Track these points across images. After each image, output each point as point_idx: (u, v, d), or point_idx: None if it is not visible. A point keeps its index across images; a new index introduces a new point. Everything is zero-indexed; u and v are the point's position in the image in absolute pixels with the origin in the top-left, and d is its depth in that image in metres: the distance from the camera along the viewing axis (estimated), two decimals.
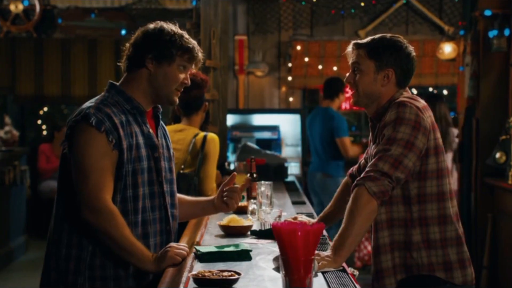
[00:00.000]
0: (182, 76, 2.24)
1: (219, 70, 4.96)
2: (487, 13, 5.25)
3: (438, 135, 2.29)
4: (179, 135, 3.73)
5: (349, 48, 2.38)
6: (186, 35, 2.25)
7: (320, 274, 2.01)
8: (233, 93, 7.33)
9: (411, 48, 2.35)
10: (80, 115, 2.14)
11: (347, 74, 2.38)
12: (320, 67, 7.36)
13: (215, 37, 4.87)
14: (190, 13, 7.00)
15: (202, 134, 3.71)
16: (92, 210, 2.08)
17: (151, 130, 2.26)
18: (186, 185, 3.58)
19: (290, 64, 7.36)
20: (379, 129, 2.28)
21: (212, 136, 3.73)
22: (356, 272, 2.28)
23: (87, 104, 2.19)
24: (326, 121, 5.67)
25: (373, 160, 2.21)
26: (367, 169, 2.20)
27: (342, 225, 2.17)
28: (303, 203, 3.72)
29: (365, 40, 2.36)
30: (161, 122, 2.36)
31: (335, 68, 7.33)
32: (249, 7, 7.45)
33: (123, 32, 7.89)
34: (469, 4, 5.88)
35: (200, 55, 2.26)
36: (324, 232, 2.49)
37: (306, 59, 7.35)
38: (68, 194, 2.17)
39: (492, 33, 5.21)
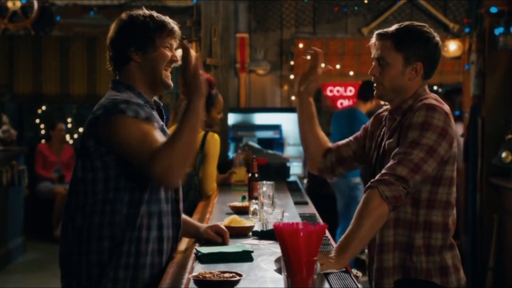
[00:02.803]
0: (169, 54, 2.22)
1: (220, 68, 4.96)
2: (493, 10, 5.25)
3: (457, 142, 2.26)
4: None
5: (373, 39, 2.30)
6: (155, 14, 2.22)
7: (322, 276, 2.01)
8: (234, 91, 7.33)
9: (438, 38, 2.28)
10: (112, 109, 2.08)
11: (372, 67, 2.29)
12: (322, 65, 7.34)
13: (216, 35, 4.88)
14: (190, 11, 7.00)
15: (201, 132, 3.71)
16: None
17: (163, 124, 2.25)
18: (186, 185, 3.58)
19: (292, 62, 7.36)
20: (403, 127, 2.20)
21: (212, 135, 3.73)
22: (360, 274, 2.29)
23: (107, 100, 2.13)
24: (350, 121, 5.70)
25: (390, 162, 2.15)
26: (383, 171, 2.15)
27: (350, 227, 2.14)
28: (306, 203, 3.72)
29: (390, 30, 2.26)
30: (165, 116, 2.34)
31: (338, 66, 7.32)
32: (250, 4, 7.45)
33: None
34: (475, 1, 5.88)
35: (176, 26, 2.23)
36: (327, 233, 2.49)
37: (309, 57, 7.34)
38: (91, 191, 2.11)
39: (498, 31, 5.20)
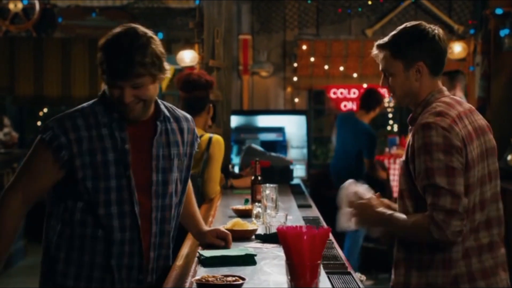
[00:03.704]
0: (116, 94, 2.15)
1: (223, 70, 4.97)
2: (498, 11, 5.25)
3: (475, 145, 2.15)
4: None
5: (374, 51, 2.31)
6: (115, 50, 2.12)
7: (326, 279, 2.02)
8: (237, 93, 7.34)
9: (435, 31, 2.27)
10: (44, 125, 2.22)
11: (381, 79, 2.31)
12: (326, 67, 7.37)
13: (218, 36, 4.88)
14: (193, 12, 7.01)
15: (207, 135, 3.72)
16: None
17: (128, 146, 2.19)
18: None
19: (295, 64, 7.37)
20: (411, 150, 2.14)
21: (218, 138, 3.75)
22: (363, 277, 2.29)
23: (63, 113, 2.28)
24: (358, 135, 5.75)
25: (428, 200, 2.06)
26: (430, 212, 2.05)
27: (401, 217, 2.13)
28: (309, 206, 3.72)
29: (386, 39, 2.27)
30: (169, 128, 2.29)
31: (341, 68, 7.33)
32: (253, 6, 7.46)
33: None
34: (480, 2, 5.88)
35: (124, 66, 2.10)
36: (330, 236, 2.50)
37: (312, 59, 7.36)
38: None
39: (504, 32, 5.21)
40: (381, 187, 5.69)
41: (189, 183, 2.50)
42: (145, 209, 2.21)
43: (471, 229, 2.14)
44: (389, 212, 2.17)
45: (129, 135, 2.20)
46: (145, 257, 2.21)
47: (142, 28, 2.19)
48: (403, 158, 2.22)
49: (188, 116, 2.46)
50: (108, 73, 2.14)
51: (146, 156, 2.23)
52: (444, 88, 2.28)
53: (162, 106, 2.31)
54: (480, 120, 2.25)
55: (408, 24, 2.32)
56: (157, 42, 2.18)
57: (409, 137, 2.22)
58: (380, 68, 2.30)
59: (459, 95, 5.00)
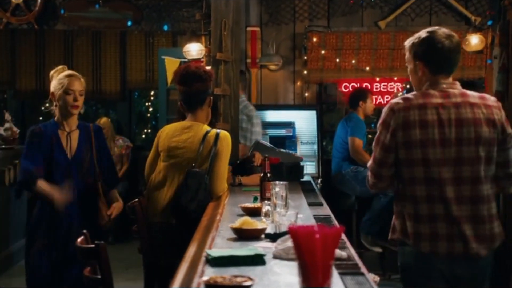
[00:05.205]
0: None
1: (231, 63, 4.95)
2: None
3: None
4: (187, 134, 3.74)
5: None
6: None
7: (339, 280, 2.01)
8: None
9: (425, 34, 2.82)
10: None
11: None
12: (337, 60, 7.34)
13: (226, 28, 4.87)
14: (199, 3, 7.00)
15: (214, 131, 3.72)
16: None
17: None
18: (196, 184, 3.59)
19: (305, 57, 7.35)
20: None
21: (225, 134, 3.75)
22: (377, 278, 2.28)
23: None
24: (347, 122, 6.37)
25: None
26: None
27: None
28: (320, 204, 3.71)
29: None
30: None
31: (353, 61, 7.30)
32: None
33: (129, 23, 7.91)
34: None
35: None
36: (342, 236, 2.49)
37: (323, 52, 7.34)
38: None
39: None
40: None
41: None
42: None
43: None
44: None
45: None
46: None
47: None
48: None
49: None
50: None
51: None
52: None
53: None
54: (467, 113, 2.74)
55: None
56: None
57: None
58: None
59: None
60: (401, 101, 2.78)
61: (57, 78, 3.79)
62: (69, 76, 3.79)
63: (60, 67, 3.88)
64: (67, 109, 3.77)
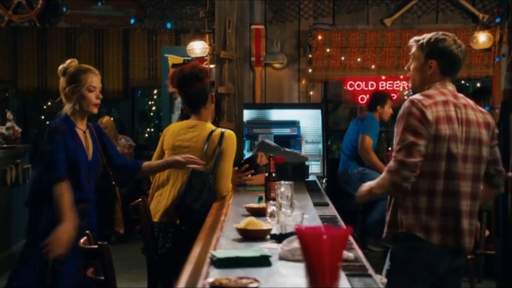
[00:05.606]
0: None
1: (235, 61, 4.94)
2: None
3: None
4: (192, 133, 3.74)
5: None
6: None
7: (346, 282, 2.00)
8: (249, 86, 7.32)
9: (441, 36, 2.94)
10: None
11: None
12: (342, 58, 7.32)
13: (230, 26, 4.85)
14: (203, 1, 6.99)
15: (219, 130, 3.71)
16: None
17: None
18: (200, 183, 3.58)
19: (310, 55, 7.33)
20: None
21: (230, 133, 3.74)
22: (385, 280, 2.27)
23: None
24: (361, 121, 6.49)
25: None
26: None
27: None
28: (326, 204, 3.70)
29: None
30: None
31: (358, 60, 7.28)
32: None
33: (132, 21, 7.91)
34: None
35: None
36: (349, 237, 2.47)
37: (328, 50, 7.31)
38: None
39: None
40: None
41: None
42: None
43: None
44: None
45: None
46: None
47: None
48: None
49: None
50: None
51: None
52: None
53: None
54: (472, 115, 2.92)
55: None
56: None
57: None
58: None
59: None
60: (425, 97, 2.87)
61: (71, 73, 3.49)
62: (88, 71, 3.51)
63: (69, 60, 3.59)
64: (89, 107, 3.47)
